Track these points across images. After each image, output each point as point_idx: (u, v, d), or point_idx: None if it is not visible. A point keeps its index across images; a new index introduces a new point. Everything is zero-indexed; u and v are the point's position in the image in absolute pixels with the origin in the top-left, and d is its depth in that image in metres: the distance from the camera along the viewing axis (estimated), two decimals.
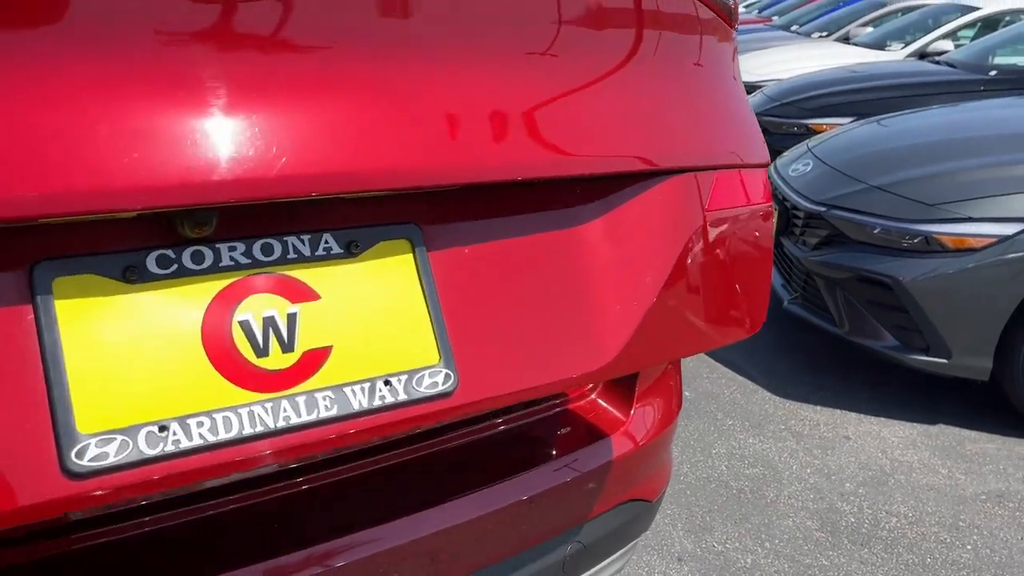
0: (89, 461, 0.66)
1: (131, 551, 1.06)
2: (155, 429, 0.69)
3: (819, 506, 2.76)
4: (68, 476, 0.65)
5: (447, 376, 0.85)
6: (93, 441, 0.66)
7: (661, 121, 1.04)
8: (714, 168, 1.08)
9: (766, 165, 1.18)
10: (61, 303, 0.67)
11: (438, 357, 0.85)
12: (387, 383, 0.81)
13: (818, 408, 3.42)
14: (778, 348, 4.00)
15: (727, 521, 2.66)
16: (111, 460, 0.67)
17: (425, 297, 0.86)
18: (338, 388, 0.78)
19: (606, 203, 1.02)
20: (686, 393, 3.43)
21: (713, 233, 1.08)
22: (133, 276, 0.71)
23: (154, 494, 0.71)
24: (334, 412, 0.77)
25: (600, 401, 1.53)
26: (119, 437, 0.67)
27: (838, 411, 3.40)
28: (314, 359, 0.78)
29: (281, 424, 0.75)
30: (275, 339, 0.76)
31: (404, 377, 0.83)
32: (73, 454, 0.65)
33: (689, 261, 1.05)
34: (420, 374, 0.83)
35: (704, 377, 3.68)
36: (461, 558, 1.27)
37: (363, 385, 0.80)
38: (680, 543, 2.55)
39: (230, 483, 1.16)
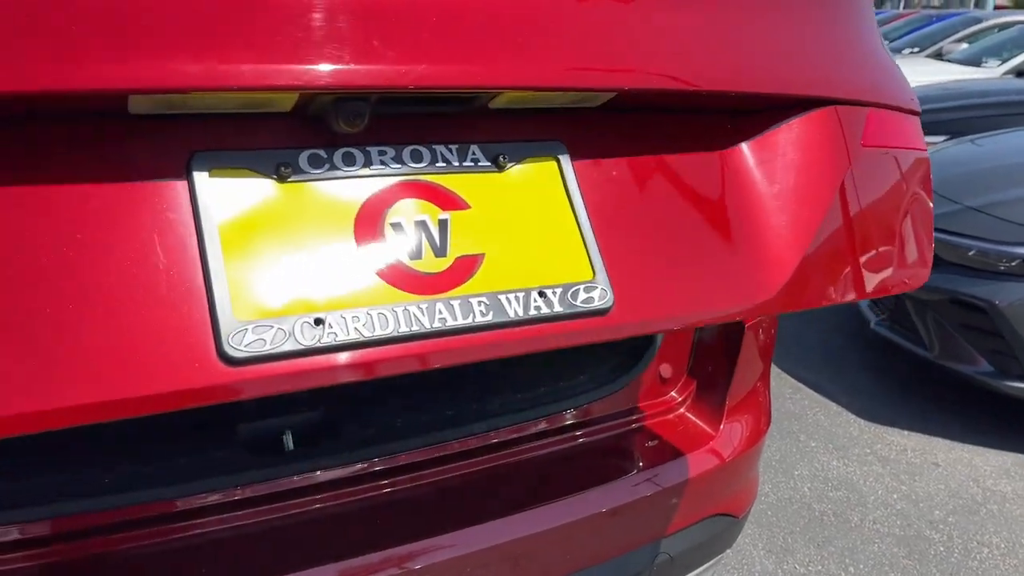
0: (246, 347, 0.66)
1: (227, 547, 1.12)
2: (311, 321, 0.69)
3: (906, 533, 2.69)
4: (225, 362, 0.66)
5: (603, 292, 0.84)
6: (250, 327, 0.67)
7: (809, 49, 1.02)
8: (865, 104, 1.05)
9: (917, 113, 1.14)
10: (217, 194, 0.69)
11: (592, 273, 0.84)
12: (542, 295, 0.80)
13: (906, 433, 3.34)
14: (864, 369, 3.91)
15: (809, 544, 2.62)
16: (268, 348, 0.67)
17: (575, 214, 0.85)
18: (492, 295, 0.78)
19: (756, 129, 1.00)
20: None
21: (870, 170, 1.05)
22: (286, 173, 0.72)
23: (307, 387, 0.72)
24: (489, 318, 0.77)
25: (689, 415, 1.54)
26: (275, 326, 0.68)
27: (927, 436, 3.31)
28: (467, 265, 0.78)
29: (437, 326, 0.74)
30: (427, 243, 0.77)
31: (559, 290, 0.82)
32: (230, 338, 0.66)
33: (848, 197, 1.02)
34: (575, 288, 0.82)
35: (787, 397, 3.62)
36: (546, 564, 1.29)
37: (517, 294, 0.79)
38: (761, 563, 2.52)
39: (320, 482, 1.21)
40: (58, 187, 0.64)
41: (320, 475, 1.20)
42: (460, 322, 0.76)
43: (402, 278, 0.75)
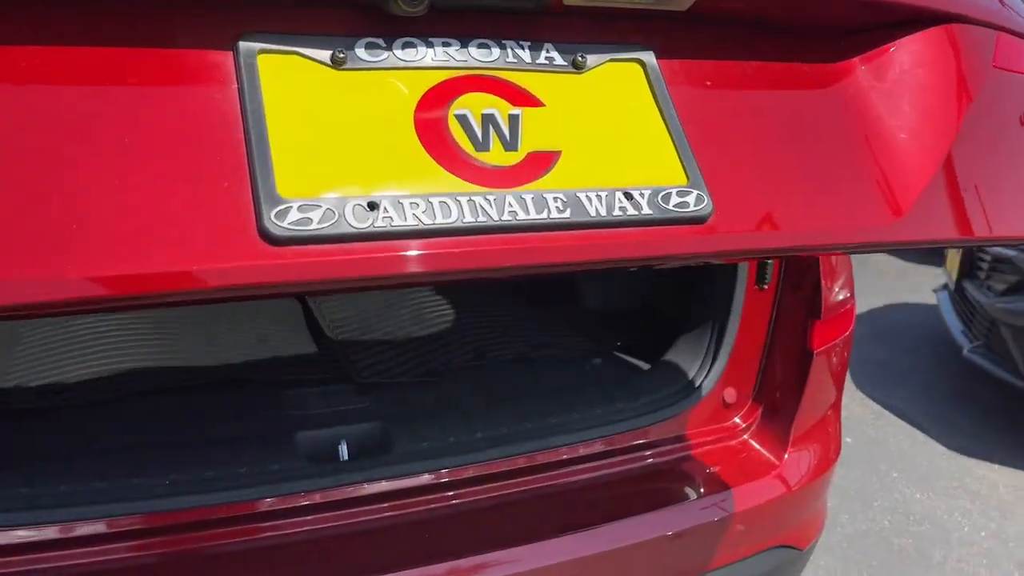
0: (290, 225, 0.61)
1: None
2: (364, 204, 0.64)
3: (992, 574, 2.54)
4: (266, 239, 0.61)
5: (700, 198, 0.76)
6: (295, 205, 0.62)
7: None
8: (993, 26, 0.95)
9: None
10: (266, 76, 0.66)
11: (685, 178, 0.76)
12: (628, 196, 0.73)
13: (996, 467, 3.16)
14: (954, 398, 3.73)
15: None
16: (314, 228, 0.62)
17: (664, 119, 0.79)
18: (570, 192, 0.71)
19: (870, 45, 0.91)
20: (847, 439, 3.26)
21: (1001, 97, 0.96)
22: (341, 60, 0.69)
23: (356, 279, 0.66)
24: (567, 216, 0.70)
25: (753, 442, 1.49)
26: (324, 206, 0.63)
27: (1021, 472, 3.12)
28: (541, 161, 0.72)
29: (507, 219, 0.68)
30: (496, 136, 0.71)
31: (647, 192, 0.74)
32: (273, 215, 0.61)
33: (975, 123, 0.92)
34: (666, 191, 0.75)
35: (868, 423, 3.48)
36: None
37: (599, 193, 0.72)
38: None
39: (372, 494, 1.20)
40: (99, 56, 0.63)
41: (372, 487, 1.21)
42: (533, 217, 0.69)
43: (467, 169, 0.69)
